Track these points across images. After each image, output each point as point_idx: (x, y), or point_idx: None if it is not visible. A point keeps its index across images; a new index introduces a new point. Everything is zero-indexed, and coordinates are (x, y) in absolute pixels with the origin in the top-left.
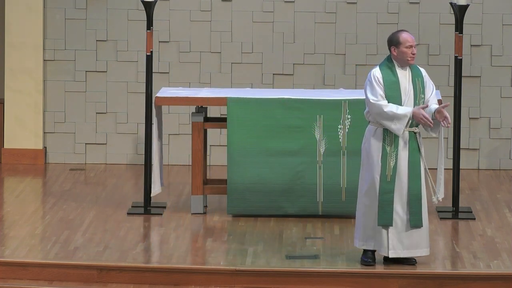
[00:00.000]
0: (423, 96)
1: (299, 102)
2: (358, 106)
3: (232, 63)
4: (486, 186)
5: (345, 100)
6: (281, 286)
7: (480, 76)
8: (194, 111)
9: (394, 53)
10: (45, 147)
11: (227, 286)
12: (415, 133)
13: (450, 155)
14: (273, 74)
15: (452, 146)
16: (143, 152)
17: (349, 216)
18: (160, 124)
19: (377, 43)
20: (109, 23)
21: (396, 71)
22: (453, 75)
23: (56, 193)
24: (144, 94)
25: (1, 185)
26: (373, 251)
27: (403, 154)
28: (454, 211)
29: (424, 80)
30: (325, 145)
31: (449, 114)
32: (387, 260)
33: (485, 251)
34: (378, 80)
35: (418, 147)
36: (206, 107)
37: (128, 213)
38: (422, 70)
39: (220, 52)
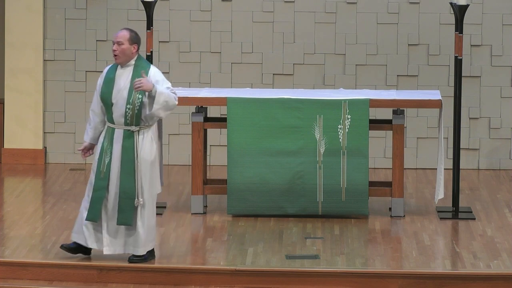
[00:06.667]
0: (140, 97)
1: (299, 102)
2: (358, 106)
3: (232, 63)
4: (486, 186)
5: (345, 100)
6: (281, 286)
7: (480, 76)
8: (194, 111)
9: None
10: (45, 147)
11: (227, 286)
12: (132, 132)
13: (450, 155)
14: (273, 74)
15: (452, 146)
16: None
17: (349, 216)
18: (160, 124)
19: (377, 43)
20: (109, 23)
21: (117, 69)
22: (453, 75)
23: (56, 193)
24: None
25: (1, 185)
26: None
27: (117, 152)
28: (454, 211)
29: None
30: (325, 145)
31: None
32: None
33: (485, 251)
34: (103, 74)
35: (134, 146)
36: (206, 107)
37: None
38: (152, 72)
39: (220, 52)
